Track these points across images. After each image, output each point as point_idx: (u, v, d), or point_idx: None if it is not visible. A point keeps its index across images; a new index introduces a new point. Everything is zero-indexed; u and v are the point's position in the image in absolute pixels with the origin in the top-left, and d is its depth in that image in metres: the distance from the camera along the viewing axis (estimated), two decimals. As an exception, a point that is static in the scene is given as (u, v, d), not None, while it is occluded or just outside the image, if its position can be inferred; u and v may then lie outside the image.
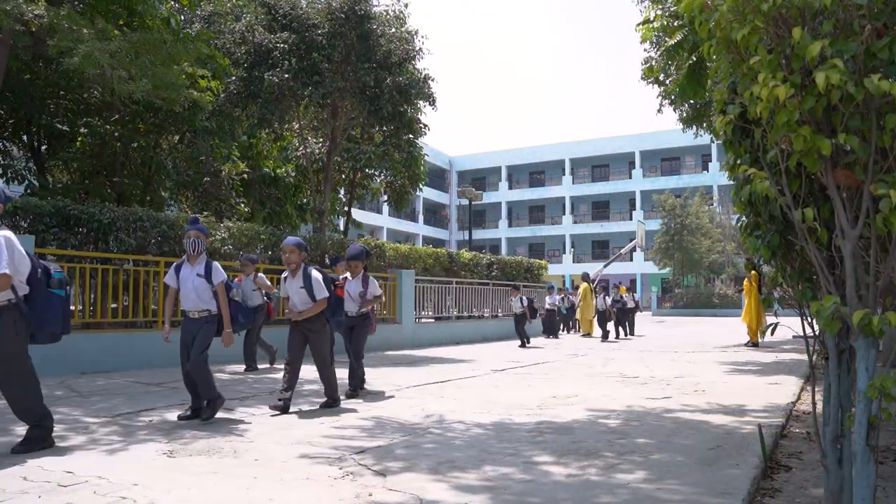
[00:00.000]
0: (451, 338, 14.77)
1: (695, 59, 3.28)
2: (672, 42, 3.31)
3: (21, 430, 4.68)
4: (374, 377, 8.09)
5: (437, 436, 4.60)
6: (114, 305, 9.24)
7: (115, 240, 9.03)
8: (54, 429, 4.25)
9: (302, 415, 5.44)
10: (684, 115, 12.08)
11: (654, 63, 9.80)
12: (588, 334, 18.62)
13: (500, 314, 17.64)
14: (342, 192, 18.66)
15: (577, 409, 5.72)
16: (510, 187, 61.35)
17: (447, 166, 62.34)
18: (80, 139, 12.60)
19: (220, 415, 5.33)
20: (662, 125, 59.83)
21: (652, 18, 5.53)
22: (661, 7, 6.01)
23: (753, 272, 18.46)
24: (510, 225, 61.25)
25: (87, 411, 5.45)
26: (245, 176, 15.46)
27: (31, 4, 7.48)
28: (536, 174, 61.67)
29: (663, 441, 4.43)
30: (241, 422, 5.09)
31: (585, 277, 19.46)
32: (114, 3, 9.60)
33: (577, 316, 19.41)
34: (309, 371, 8.78)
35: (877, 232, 2.44)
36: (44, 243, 8.31)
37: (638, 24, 5.92)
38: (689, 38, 3.32)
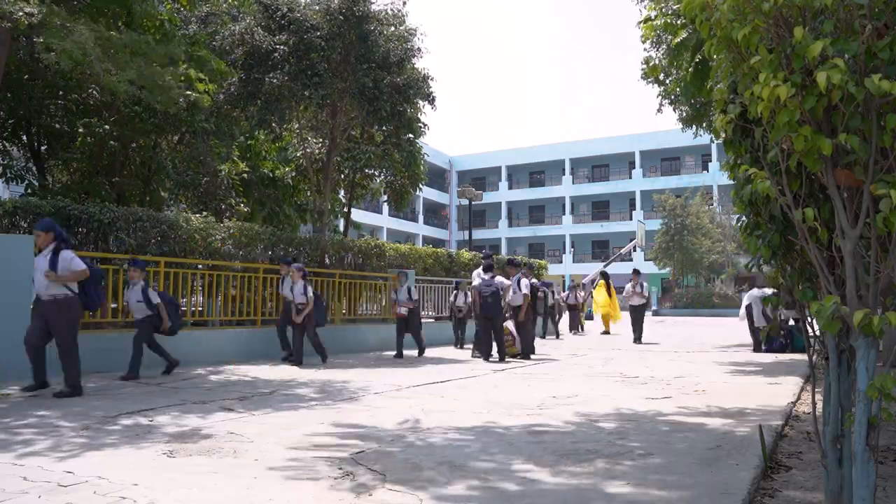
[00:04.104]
0: (451, 338, 14.75)
1: (700, 57, 3.27)
2: (677, 40, 3.31)
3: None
4: (374, 377, 8.09)
5: (437, 436, 4.60)
6: (114, 305, 9.24)
7: (115, 240, 9.03)
8: (58, 429, 4.24)
9: (302, 415, 5.44)
10: (684, 114, 12.08)
11: (656, 62, 9.80)
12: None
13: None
14: (342, 192, 18.66)
15: (576, 410, 5.71)
16: (510, 187, 61.35)
17: (447, 166, 62.34)
18: (79, 139, 12.61)
19: (220, 415, 5.34)
20: (662, 125, 59.92)
21: (653, 17, 5.52)
22: (662, 6, 6.01)
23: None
24: (510, 225, 61.24)
25: (87, 411, 5.45)
26: (244, 176, 15.47)
27: (20, 3, 7.46)
28: (536, 174, 61.67)
29: (663, 441, 4.43)
30: (241, 422, 5.08)
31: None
32: (113, 2, 9.59)
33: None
34: (306, 372, 8.79)
35: (877, 232, 2.44)
36: (43, 243, 8.30)
37: (639, 23, 5.91)
38: (692, 37, 3.32)
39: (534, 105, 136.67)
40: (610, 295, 19.63)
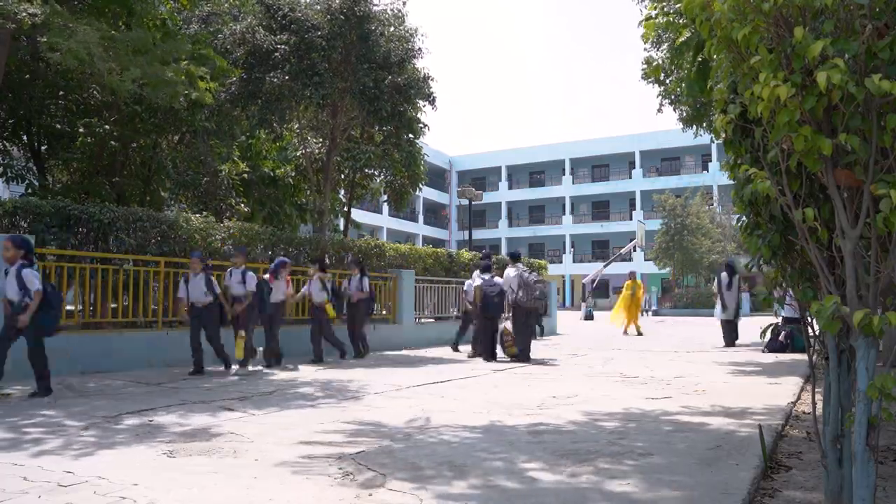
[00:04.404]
0: (451, 338, 14.75)
1: (702, 57, 3.27)
2: (681, 39, 3.31)
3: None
4: (374, 377, 8.09)
5: (437, 436, 4.60)
6: (114, 305, 9.24)
7: (115, 240, 9.03)
8: (60, 428, 4.24)
9: (302, 415, 5.44)
10: (684, 114, 12.07)
11: (658, 61, 9.80)
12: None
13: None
14: (342, 192, 18.67)
15: (576, 410, 5.72)
16: (510, 187, 61.36)
17: (447, 166, 62.34)
18: (79, 139, 12.62)
19: (220, 414, 5.34)
20: (662, 125, 59.89)
21: (654, 15, 5.50)
22: (663, 4, 5.99)
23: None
24: (510, 225, 61.25)
25: (87, 411, 5.45)
26: (245, 176, 15.47)
27: (24, 3, 7.47)
28: (536, 174, 61.68)
29: (663, 441, 4.43)
30: (242, 421, 5.09)
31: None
32: (114, 2, 9.60)
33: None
34: (307, 372, 8.79)
35: (877, 232, 2.44)
36: (44, 243, 8.31)
37: (640, 22, 5.89)
38: (695, 36, 3.32)
39: (534, 105, 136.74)
40: (633, 296, 18.09)
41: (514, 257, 11.26)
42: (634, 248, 42.25)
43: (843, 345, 2.75)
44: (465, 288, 12.45)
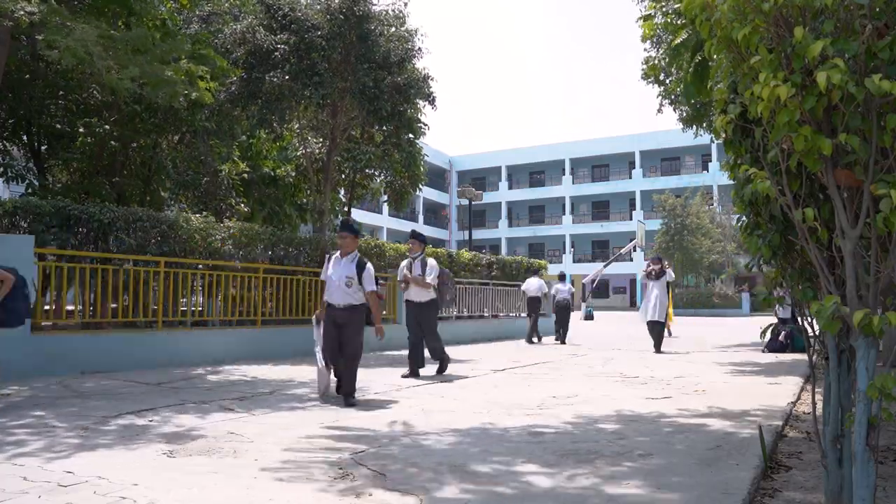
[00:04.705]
0: (451, 338, 14.72)
1: (700, 58, 3.28)
2: (677, 41, 3.31)
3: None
4: (374, 377, 8.09)
5: (437, 436, 4.60)
6: (114, 305, 9.23)
7: (115, 240, 9.03)
8: (56, 429, 4.24)
9: (302, 415, 5.44)
10: (684, 115, 12.09)
11: (656, 61, 9.81)
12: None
13: (500, 314, 17.64)
14: (342, 192, 18.67)
15: (576, 410, 5.72)
16: (510, 187, 61.36)
17: (447, 166, 62.35)
18: (79, 139, 12.61)
19: (220, 415, 5.34)
20: (662, 125, 59.89)
21: (653, 14, 5.51)
22: (662, 5, 6.01)
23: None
24: (510, 225, 61.25)
25: (87, 411, 5.45)
26: (245, 176, 15.47)
27: (21, 1, 7.46)
28: (536, 174, 61.68)
29: (663, 441, 4.43)
30: (241, 422, 5.09)
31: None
32: (114, 2, 9.59)
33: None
34: (307, 372, 8.79)
35: (877, 232, 2.44)
36: (44, 243, 8.30)
37: (639, 19, 5.91)
38: (692, 38, 3.33)
39: (534, 105, 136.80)
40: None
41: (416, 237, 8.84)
42: (634, 248, 42.24)
43: (843, 345, 2.75)
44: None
